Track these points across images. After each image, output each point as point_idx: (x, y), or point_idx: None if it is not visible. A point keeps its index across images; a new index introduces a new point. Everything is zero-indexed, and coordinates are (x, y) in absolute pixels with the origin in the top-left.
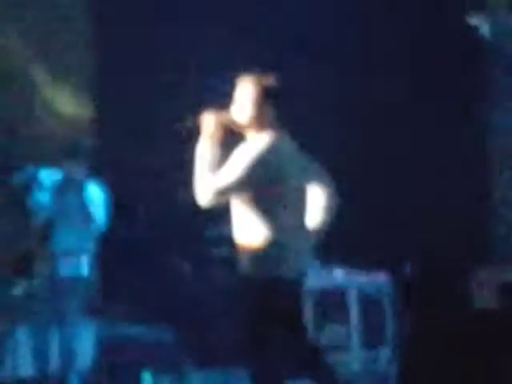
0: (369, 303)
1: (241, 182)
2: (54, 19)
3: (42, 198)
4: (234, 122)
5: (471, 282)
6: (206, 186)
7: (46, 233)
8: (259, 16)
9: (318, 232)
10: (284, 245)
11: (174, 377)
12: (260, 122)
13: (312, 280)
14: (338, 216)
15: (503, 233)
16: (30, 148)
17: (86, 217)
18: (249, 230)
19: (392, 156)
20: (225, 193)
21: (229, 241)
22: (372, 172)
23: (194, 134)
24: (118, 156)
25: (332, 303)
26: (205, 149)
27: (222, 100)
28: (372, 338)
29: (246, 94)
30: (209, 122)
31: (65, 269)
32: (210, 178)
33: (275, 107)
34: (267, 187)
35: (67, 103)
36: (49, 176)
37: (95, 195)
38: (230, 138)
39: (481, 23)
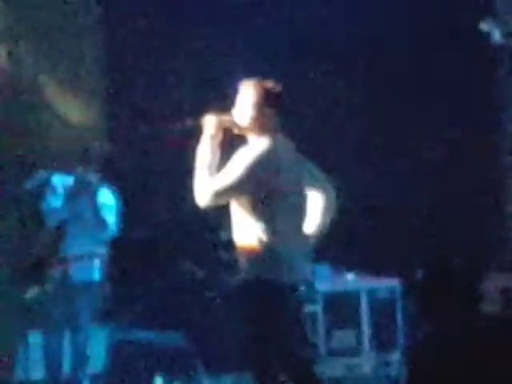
0: (380, 307)
1: (239, 184)
2: (64, 29)
3: (55, 202)
4: (234, 124)
5: (484, 286)
6: (204, 187)
7: (59, 237)
8: (264, 22)
9: (316, 236)
10: (282, 248)
11: (185, 382)
12: (260, 125)
13: (323, 284)
14: (349, 220)
15: None
16: (42, 153)
17: (98, 221)
18: (248, 232)
19: (404, 159)
20: (223, 194)
21: None
22: (384, 176)
23: (194, 134)
24: (130, 161)
25: (343, 307)
26: (205, 150)
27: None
28: (383, 342)
29: (247, 97)
30: (210, 123)
31: (77, 273)
32: (210, 179)
33: (276, 111)
34: (266, 190)
35: (79, 109)
36: (61, 181)
37: (107, 200)
38: (232, 140)
39: (492, 28)
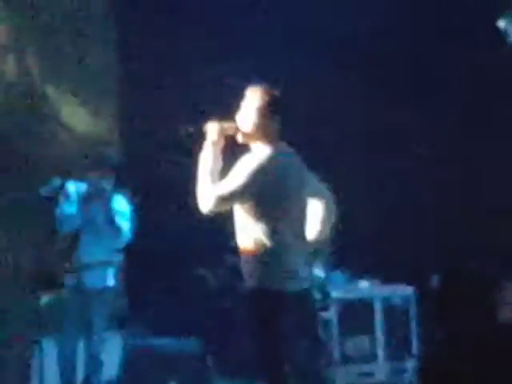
0: (394, 315)
1: (242, 190)
2: (75, 35)
3: (69, 209)
4: (237, 131)
5: (498, 294)
6: (207, 193)
7: (73, 244)
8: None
9: (316, 244)
10: (283, 256)
11: None
12: (263, 132)
13: (338, 291)
14: (363, 227)
15: None
16: (55, 161)
17: (112, 228)
18: (250, 239)
19: (418, 168)
20: (226, 200)
21: None
22: (399, 182)
23: (197, 140)
24: (143, 168)
25: (357, 315)
26: (207, 156)
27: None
28: (397, 350)
29: (252, 103)
30: (212, 129)
31: (91, 280)
32: (212, 185)
33: (279, 119)
34: (268, 197)
35: (92, 116)
36: (75, 188)
37: (121, 207)
38: (234, 147)
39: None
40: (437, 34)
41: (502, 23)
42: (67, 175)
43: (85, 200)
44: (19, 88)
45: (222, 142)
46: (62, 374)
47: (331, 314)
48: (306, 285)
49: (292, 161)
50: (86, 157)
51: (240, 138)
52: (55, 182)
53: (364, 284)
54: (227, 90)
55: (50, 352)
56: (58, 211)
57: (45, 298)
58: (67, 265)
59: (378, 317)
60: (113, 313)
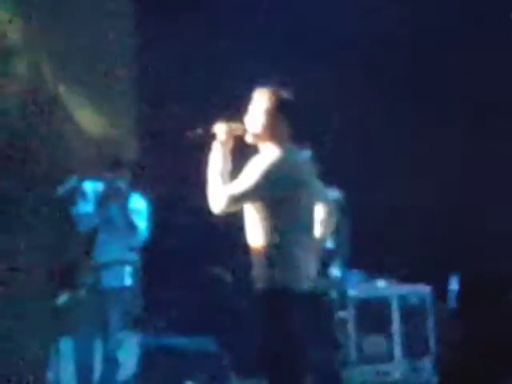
0: (411, 314)
1: (253, 190)
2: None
3: (86, 209)
4: (245, 132)
5: None
6: (218, 193)
7: (90, 243)
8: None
9: (323, 244)
10: (294, 255)
11: None
12: (272, 133)
13: (355, 290)
14: (381, 227)
15: None
16: (72, 160)
17: (129, 227)
18: (259, 239)
19: (436, 169)
20: (237, 200)
21: None
22: (416, 184)
23: (206, 142)
24: (159, 167)
25: (374, 313)
26: (217, 157)
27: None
28: (414, 348)
29: (260, 105)
30: (221, 130)
31: (108, 279)
32: (223, 185)
33: (288, 120)
34: (279, 197)
35: (109, 115)
36: (92, 187)
37: (138, 206)
38: (243, 148)
39: None
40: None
41: None
42: (84, 175)
43: (101, 199)
44: (34, 89)
45: (230, 143)
46: (78, 374)
47: (348, 313)
48: (316, 284)
49: (301, 161)
50: (117, 156)
51: (249, 139)
52: (72, 181)
53: (381, 283)
54: (241, 90)
55: (66, 352)
56: (74, 211)
57: (62, 298)
58: (84, 264)
59: (395, 316)
60: (130, 312)
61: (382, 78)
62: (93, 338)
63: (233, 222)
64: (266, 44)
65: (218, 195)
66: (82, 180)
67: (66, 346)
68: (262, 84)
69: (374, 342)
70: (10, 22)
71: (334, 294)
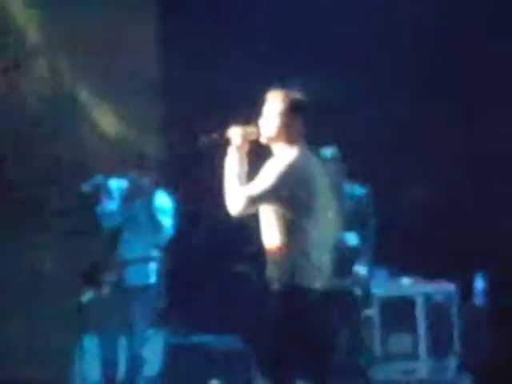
0: (436, 312)
1: (271, 191)
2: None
3: (110, 206)
4: (260, 135)
5: None
6: (236, 195)
7: (114, 241)
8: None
9: (338, 243)
10: (311, 254)
11: None
12: (287, 134)
13: (380, 288)
14: (405, 224)
15: None
16: (97, 157)
17: (154, 225)
18: (276, 239)
19: (465, 165)
20: (255, 202)
21: None
22: (442, 181)
23: (220, 146)
24: (184, 164)
25: (399, 312)
26: (233, 160)
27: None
28: (439, 347)
29: (274, 107)
30: (235, 134)
31: (133, 277)
32: (240, 187)
33: (302, 121)
34: (295, 197)
35: (134, 113)
36: (117, 185)
37: (163, 203)
38: (258, 150)
39: None
40: None
41: None
42: (109, 173)
43: (126, 197)
44: (58, 87)
45: (246, 147)
46: (103, 372)
47: (373, 312)
48: (334, 283)
49: (315, 161)
50: (142, 153)
51: (263, 140)
52: (96, 179)
53: (406, 281)
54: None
55: (91, 349)
56: (99, 208)
57: (86, 295)
58: (108, 262)
59: (420, 314)
60: (154, 309)
61: (410, 75)
62: (117, 336)
63: (258, 219)
64: (283, 45)
65: (236, 197)
66: (106, 177)
67: (90, 343)
68: (276, 85)
69: (399, 340)
70: (30, 20)
71: (358, 292)
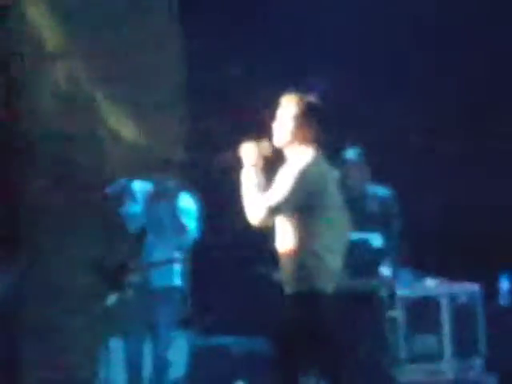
0: (461, 312)
1: (287, 202)
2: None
3: (134, 208)
4: (272, 150)
5: None
6: (254, 208)
7: (139, 243)
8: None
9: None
10: (324, 258)
11: None
12: (301, 139)
13: (404, 289)
14: (429, 224)
15: None
16: (121, 160)
17: (178, 227)
18: (290, 243)
19: (489, 165)
20: (273, 213)
21: None
22: (467, 182)
23: (236, 164)
24: (208, 166)
25: (424, 313)
26: (249, 176)
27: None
28: (464, 348)
29: (288, 111)
30: (248, 151)
31: (157, 279)
32: (259, 198)
33: (316, 125)
34: (311, 202)
35: (158, 116)
36: (141, 187)
37: (187, 205)
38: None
39: None
40: None
41: None
42: (133, 175)
43: (150, 199)
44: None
45: (260, 162)
46: (128, 374)
47: (398, 313)
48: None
49: (327, 165)
50: (166, 157)
51: (277, 144)
52: (120, 181)
53: (430, 282)
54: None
55: (116, 352)
56: (123, 211)
57: (111, 298)
58: (133, 264)
59: (445, 315)
60: (179, 312)
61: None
62: (142, 338)
63: None
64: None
65: (254, 210)
66: (130, 180)
67: (115, 346)
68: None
69: (424, 341)
70: (48, 25)
71: (383, 293)
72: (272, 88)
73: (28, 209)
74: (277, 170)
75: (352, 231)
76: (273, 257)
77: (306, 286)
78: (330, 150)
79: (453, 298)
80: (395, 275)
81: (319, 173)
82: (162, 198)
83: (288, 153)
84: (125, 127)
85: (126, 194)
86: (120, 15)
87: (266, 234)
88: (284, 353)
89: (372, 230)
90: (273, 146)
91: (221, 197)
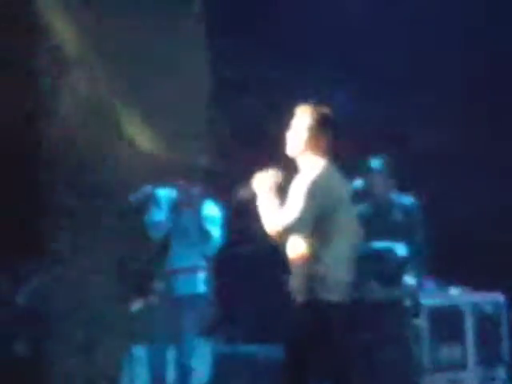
0: (485, 322)
1: (302, 219)
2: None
3: (159, 216)
4: (283, 178)
5: None
6: (274, 230)
7: (163, 251)
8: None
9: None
10: (337, 267)
11: None
12: (313, 149)
13: (428, 299)
14: (453, 234)
15: None
16: (145, 168)
17: (202, 234)
18: (302, 252)
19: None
20: (291, 231)
21: None
22: (492, 191)
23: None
24: (233, 173)
25: (448, 322)
26: (265, 201)
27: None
28: (488, 357)
29: (302, 121)
30: (260, 183)
31: (181, 286)
32: (276, 220)
33: (329, 137)
34: (325, 212)
35: (182, 124)
36: (166, 194)
37: (211, 213)
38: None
39: None
40: None
41: None
42: (157, 182)
43: (175, 206)
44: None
45: (273, 188)
46: (152, 381)
47: (422, 322)
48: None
49: (340, 175)
50: (191, 163)
51: (290, 154)
52: (145, 189)
53: (455, 291)
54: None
55: (140, 359)
56: (148, 218)
57: (135, 305)
58: (157, 271)
59: (469, 324)
60: (202, 319)
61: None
62: (166, 345)
63: None
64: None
65: (274, 231)
66: (155, 187)
67: (139, 353)
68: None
69: (448, 350)
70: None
71: (408, 303)
72: (295, 96)
73: (53, 216)
74: (291, 178)
75: (374, 240)
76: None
77: (312, 296)
78: (354, 159)
79: (477, 308)
80: (419, 284)
81: (330, 185)
82: (186, 205)
83: (300, 162)
84: (150, 135)
85: (150, 201)
86: (145, 20)
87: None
88: (294, 360)
89: (397, 239)
90: (283, 174)
91: (245, 204)
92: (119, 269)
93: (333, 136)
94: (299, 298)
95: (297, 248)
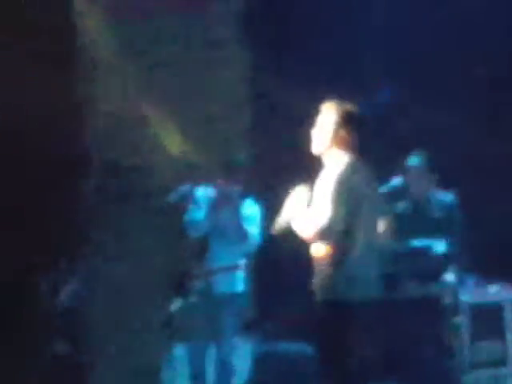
0: None
1: (336, 220)
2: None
3: (198, 215)
4: (311, 196)
5: None
6: (314, 230)
7: (202, 250)
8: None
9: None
10: (359, 264)
11: None
12: (338, 146)
13: (468, 296)
14: (494, 232)
15: None
16: (184, 166)
17: (241, 233)
18: (325, 251)
19: None
20: (327, 234)
21: None
22: None
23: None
24: (272, 172)
25: (488, 319)
26: (299, 216)
27: None
28: None
29: (327, 118)
30: (296, 202)
31: (220, 285)
32: (314, 222)
33: (354, 132)
34: (347, 211)
35: (222, 122)
36: (204, 193)
37: (250, 212)
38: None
39: None
40: None
41: None
42: (196, 181)
43: (213, 205)
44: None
45: (305, 206)
46: (193, 380)
47: (462, 319)
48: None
49: (366, 171)
50: (229, 162)
51: (315, 150)
52: (184, 188)
53: (494, 287)
54: None
55: (180, 358)
56: (187, 217)
57: (175, 304)
58: (196, 270)
59: (509, 320)
60: (243, 318)
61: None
62: (206, 344)
63: None
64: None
65: (312, 233)
66: (194, 186)
67: (180, 352)
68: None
69: (488, 347)
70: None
71: (447, 300)
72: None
73: (94, 217)
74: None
75: (413, 238)
76: None
77: (334, 295)
78: (394, 156)
79: None
80: (459, 281)
81: (353, 182)
82: (225, 204)
83: (326, 159)
84: (189, 133)
85: (189, 200)
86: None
87: None
88: (329, 359)
89: (436, 236)
90: (310, 193)
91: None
92: (158, 268)
93: (359, 132)
94: (323, 296)
95: (320, 247)
